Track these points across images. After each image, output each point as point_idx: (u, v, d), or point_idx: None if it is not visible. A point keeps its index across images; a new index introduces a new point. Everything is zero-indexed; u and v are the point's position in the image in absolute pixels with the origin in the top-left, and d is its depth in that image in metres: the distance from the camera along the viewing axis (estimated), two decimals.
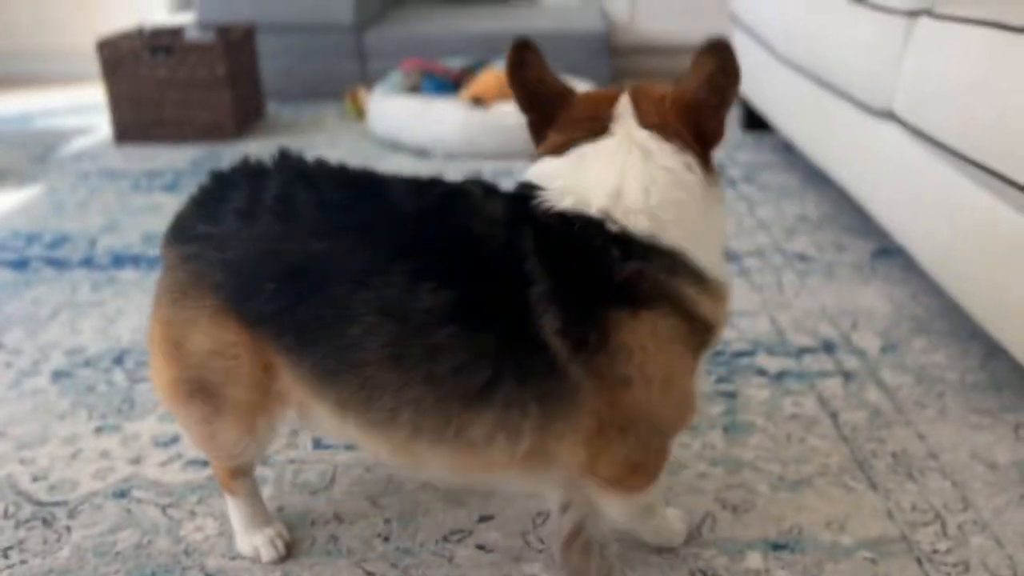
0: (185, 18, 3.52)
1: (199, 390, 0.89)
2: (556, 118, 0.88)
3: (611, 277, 0.80)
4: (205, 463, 1.17)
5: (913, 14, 1.47)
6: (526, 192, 0.84)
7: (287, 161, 0.93)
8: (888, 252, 1.81)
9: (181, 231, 0.89)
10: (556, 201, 0.82)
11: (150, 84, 2.61)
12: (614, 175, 0.83)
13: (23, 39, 3.67)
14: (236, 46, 2.69)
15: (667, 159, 0.84)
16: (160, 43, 2.59)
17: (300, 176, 0.88)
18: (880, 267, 1.75)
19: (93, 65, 3.64)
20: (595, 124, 0.86)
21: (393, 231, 0.83)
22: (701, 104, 0.84)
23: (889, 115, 1.54)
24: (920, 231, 1.43)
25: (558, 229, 0.81)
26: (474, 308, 0.79)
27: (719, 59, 0.81)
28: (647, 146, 0.84)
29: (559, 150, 0.87)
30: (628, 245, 0.80)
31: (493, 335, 0.79)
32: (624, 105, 0.86)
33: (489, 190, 0.86)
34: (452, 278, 0.80)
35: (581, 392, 0.80)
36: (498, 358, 0.79)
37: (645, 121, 0.85)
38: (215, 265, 0.85)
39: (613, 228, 0.80)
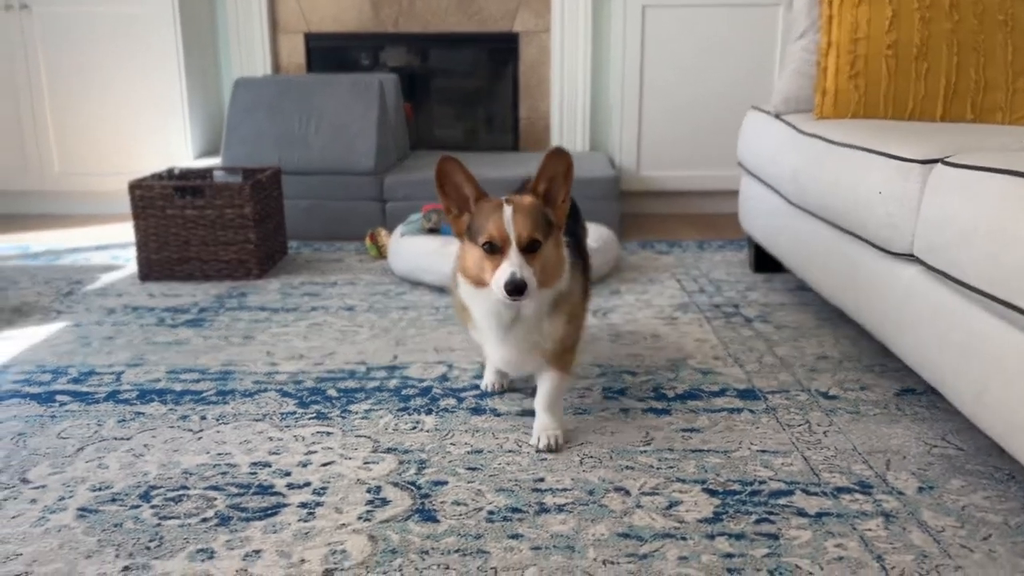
0: (210, 162, 3.66)
1: None
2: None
3: None
4: None
5: (928, 163, 1.55)
6: None
7: None
8: (913, 391, 1.82)
9: None
10: None
11: (178, 223, 2.69)
12: None
13: (55, 182, 3.81)
14: (263, 187, 2.79)
15: None
16: (190, 184, 2.68)
17: None
18: (906, 407, 1.75)
19: (117, 206, 3.77)
20: None
21: None
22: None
23: (910, 257, 1.59)
24: (950, 371, 1.44)
25: None
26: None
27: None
28: None
29: None
30: None
31: None
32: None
33: None
34: None
35: None
36: None
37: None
38: None
39: None
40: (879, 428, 1.66)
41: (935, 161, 1.54)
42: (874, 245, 1.73)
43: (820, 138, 2.04)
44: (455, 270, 1.62)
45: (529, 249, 1.44)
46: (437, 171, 1.49)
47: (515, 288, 1.40)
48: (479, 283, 1.50)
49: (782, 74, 2.54)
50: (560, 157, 1.48)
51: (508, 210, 1.44)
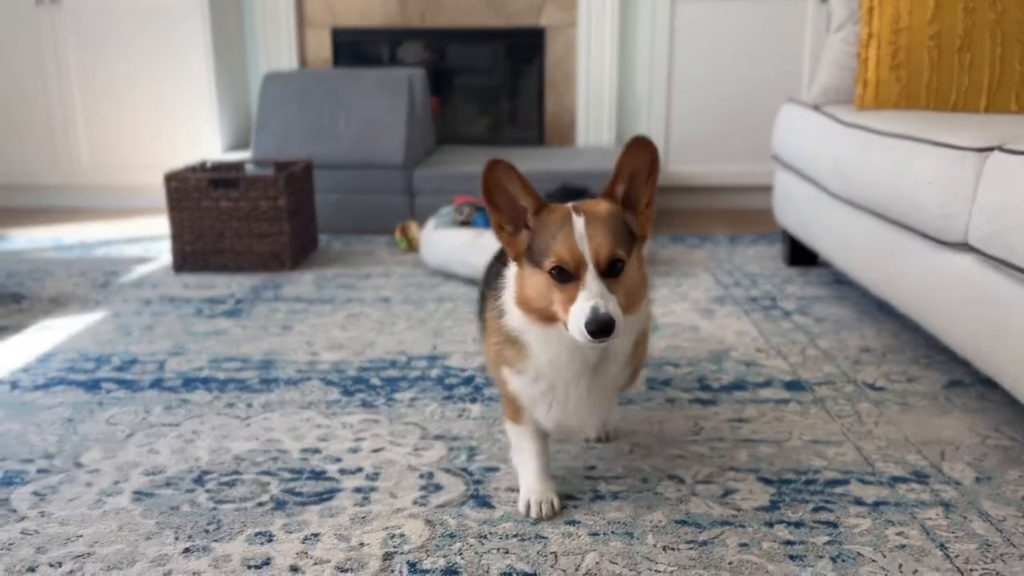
0: (239, 156, 3.67)
1: None
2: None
3: None
4: None
5: (984, 151, 1.54)
6: None
7: None
8: (961, 383, 1.80)
9: None
10: None
11: (212, 215, 2.70)
12: None
13: (84, 175, 3.83)
14: (296, 180, 2.80)
15: None
16: (226, 176, 2.69)
17: None
18: (955, 398, 1.74)
19: (146, 199, 3.78)
20: None
21: None
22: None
23: (964, 246, 1.58)
24: (1008, 360, 1.43)
25: None
26: None
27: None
28: None
29: None
30: None
31: None
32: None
33: None
34: None
35: None
36: None
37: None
38: None
39: None
40: (930, 419, 1.65)
41: (991, 149, 1.53)
42: (924, 235, 1.71)
43: (864, 128, 2.02)
44: (485, 291, 1.35)
45: (611, 272, 1.11)
46: (484, 179, 1.17)
47: (600, 328, 1.06)
48: (546, 319, 1.15)
49: (820, 66, 2.53)
50: (643, 149, 1.15)
51: (579, 222, 1.12)
